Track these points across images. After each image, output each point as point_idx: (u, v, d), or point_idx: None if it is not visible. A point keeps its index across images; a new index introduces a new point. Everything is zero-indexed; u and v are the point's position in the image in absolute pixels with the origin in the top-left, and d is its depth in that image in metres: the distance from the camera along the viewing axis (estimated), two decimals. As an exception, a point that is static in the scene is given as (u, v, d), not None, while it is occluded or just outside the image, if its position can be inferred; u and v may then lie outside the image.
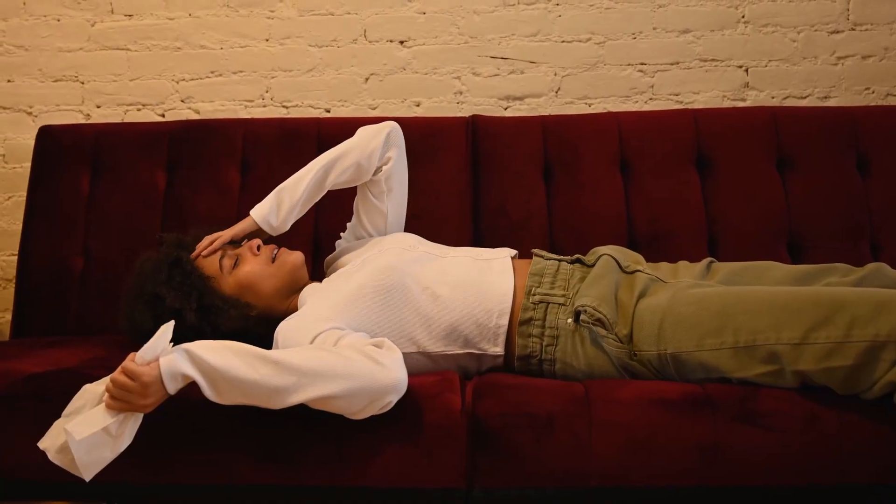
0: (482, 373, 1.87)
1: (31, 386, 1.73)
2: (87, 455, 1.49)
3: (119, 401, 1.52)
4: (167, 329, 1.56)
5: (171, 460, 1.66)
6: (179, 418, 1.65)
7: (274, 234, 2.09)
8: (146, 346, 1.54)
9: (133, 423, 1.54)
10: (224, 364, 1.52)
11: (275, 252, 2.00)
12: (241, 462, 1.65)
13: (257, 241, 2.01)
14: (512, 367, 1.88)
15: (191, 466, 1.66)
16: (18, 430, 1.69)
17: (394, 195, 2.21)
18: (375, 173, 2.16)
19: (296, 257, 2.02)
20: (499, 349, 1.86)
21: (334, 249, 2.24)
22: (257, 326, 1.94)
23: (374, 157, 2.12)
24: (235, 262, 1.97)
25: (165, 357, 1.53)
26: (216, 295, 1.92)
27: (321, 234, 2.46)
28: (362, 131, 2.17)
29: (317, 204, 2.15)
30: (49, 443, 1.53)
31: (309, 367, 1.54)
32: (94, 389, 1.58)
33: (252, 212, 2.09)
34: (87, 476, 1.50)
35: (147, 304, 1.91)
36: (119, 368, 1.53)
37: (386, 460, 1.62)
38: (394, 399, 1.58)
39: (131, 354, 1.55)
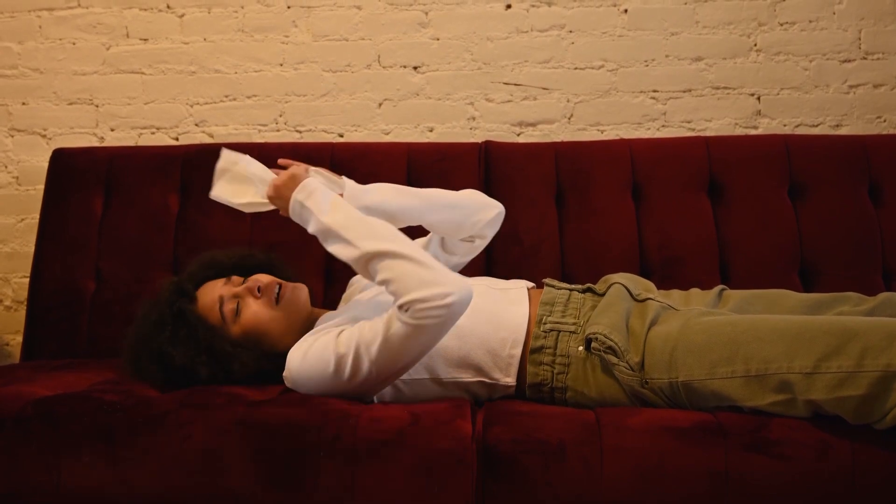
0: (493, 400, 1.86)
1: (40, 409, 1.72)
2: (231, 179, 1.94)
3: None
4: (249, 162, 1.92)
5: (181, 487, 1.64)
6: (189, 443, 1.64)
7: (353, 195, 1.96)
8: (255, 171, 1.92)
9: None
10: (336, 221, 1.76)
11: (277, 291, 1.93)
12: (252, 489, 1.63)
13: (257, 283, 1.92)
14: (523, 394, 1.86)
15: (201, 494, 1.65)
16: (27, 453, 1.67)
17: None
18: (464, 238, 2.14)
19: (300, 292, 1.97)
20: (510, 380, 1.84)
21: (346, 276, 2.25)
22: (270, 364, 1.89)
23: (475, 227, 2.10)
24: (237, 308, 1.91)
25: (304, 198, 1.81)
26: (226, 341, 1.87)
27: (333, 260, 2.46)
28: (476, 194, 2.12)
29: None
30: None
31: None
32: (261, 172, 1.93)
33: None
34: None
35: (154, 363, 1.86)
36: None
37: (396, 487, 1.61)
38: (454, 300, 1.66)
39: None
